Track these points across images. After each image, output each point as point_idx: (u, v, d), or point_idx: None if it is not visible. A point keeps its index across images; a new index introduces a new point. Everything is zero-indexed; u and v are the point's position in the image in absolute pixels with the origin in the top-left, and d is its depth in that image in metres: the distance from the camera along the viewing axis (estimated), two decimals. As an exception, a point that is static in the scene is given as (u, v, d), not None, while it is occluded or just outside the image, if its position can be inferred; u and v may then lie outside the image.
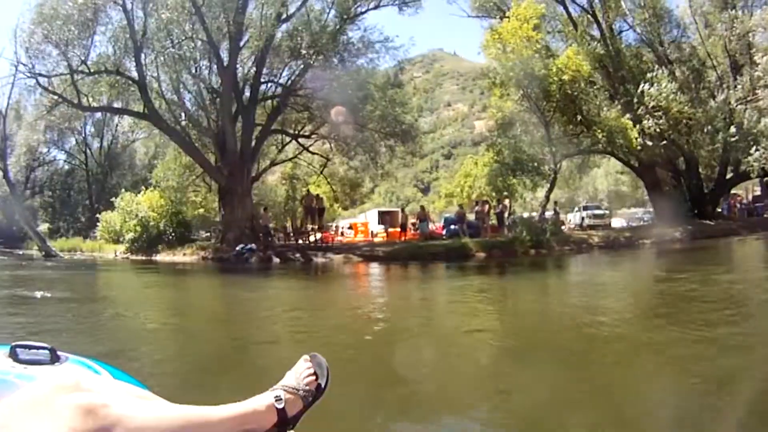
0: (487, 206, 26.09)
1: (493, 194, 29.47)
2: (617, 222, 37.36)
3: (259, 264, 20.46)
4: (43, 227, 43.70)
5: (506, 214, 27.00)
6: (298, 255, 21.80)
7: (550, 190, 26.48)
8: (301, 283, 15.28)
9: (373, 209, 41.53)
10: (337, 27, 25.14)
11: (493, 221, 26.10)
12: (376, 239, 29.39)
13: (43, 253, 28.05)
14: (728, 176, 29.62)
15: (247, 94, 25.80)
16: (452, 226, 26.93)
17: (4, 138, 29.53)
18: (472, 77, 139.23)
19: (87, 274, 19.35)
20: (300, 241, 24.99)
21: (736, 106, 26.03)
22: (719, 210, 31.38)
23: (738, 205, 34.38)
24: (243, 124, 25.00)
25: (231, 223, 23.82)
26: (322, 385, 1.82)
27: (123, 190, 31.56)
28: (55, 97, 26.66)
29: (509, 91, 25.37)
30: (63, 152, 47.23)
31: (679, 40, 29.21)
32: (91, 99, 26.73)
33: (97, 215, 34.67)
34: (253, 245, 21.98)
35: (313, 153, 29.66)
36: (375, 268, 18.65)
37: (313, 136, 28.24)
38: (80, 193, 46.27)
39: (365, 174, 30.69)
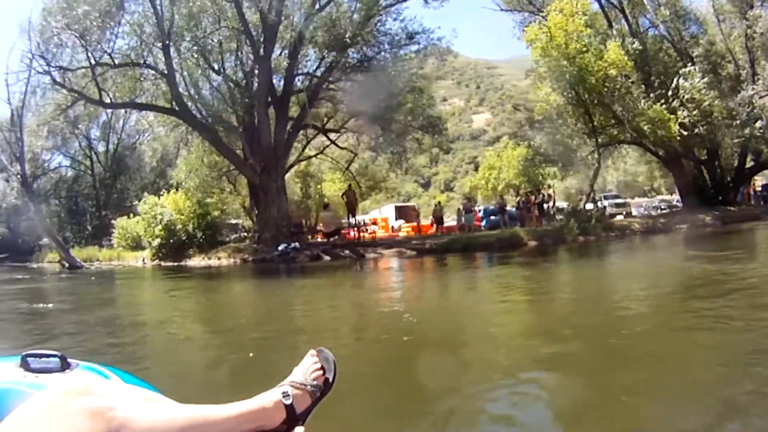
0: (532, 196, 25.96)
1: (525, 185, 29.30)
2: (635, 210, 37.65)
3: (308, 263, 19.35)
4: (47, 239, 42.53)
5: (550, 204, 26.98)
6: (347, 252, 20.78)
7: (594, 179, 26.75)
8: (370, 280, 14.28)
9: (388, 205, 40.74)
10: (366, 19, 24.28)
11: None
12: (400, 234, 28.70)
13: (67, 264, 26.63)
14: (748, 165, 30.86)
15: (280, 87, 24.71)
16: (492, 217, 26.66)
17: (20, 141, 28.05)
18: (467, 72, 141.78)
19: (129, 284, 18.31)
20: (330, 239, 24.01)
21: (759, 99, 26.57)
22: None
23: (752, 192, 35.28)
24: (276, 118, 23.88)
25: (267, 222, 22.74)
26: (330, 380, 1.82)
27: (135, 194, 30.51)
28: (73, 94, 25.53)
29: (557, 85, 24.95)
30: (68, 158, 45.91)
31: (698, 36, 29.74)
32: (111, 96, 25.62)
33: (111, 221, 33.59)
34: (296, 244, 21.01)
35: (341, 148, 28.63)
36: (435, 261, 17.77)
37: (341, 129, 27.32)
38: (87, 200, 44.95)
39: (394, 168, 29.72)
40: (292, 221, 23.33)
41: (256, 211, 24.00)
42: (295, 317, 7.96)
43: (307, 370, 1.84)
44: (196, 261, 23.19)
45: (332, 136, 28.25)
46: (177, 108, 23.78)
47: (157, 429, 1.44)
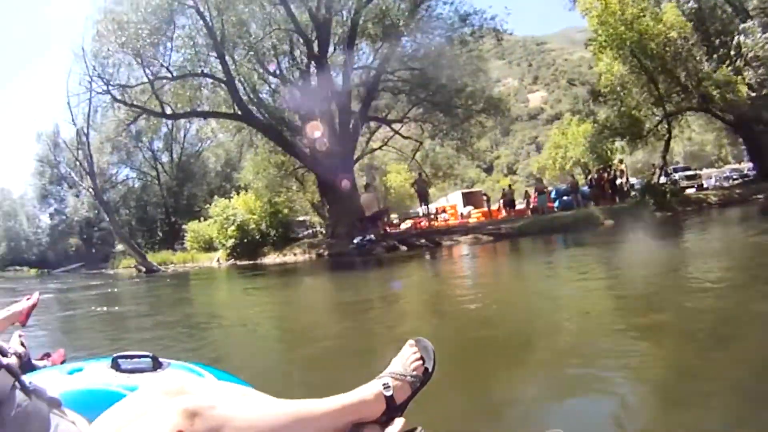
0: (605, 174, 25.51)
1: (593, 162, 28.67)
2: (706, 182, 36.38)
3: (385, 254, 19.27)
4: (121, 247, 43.74)
5: (623, 180, 26.15)
6: (423, 240, 20.62)
7: (665, 151, 26.16)
8: (450, 268, 13.91)
9: (454, 192, 40.31)
10: (414, 6, 24.21)
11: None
12: (470, 220, 28.36)
13: (144, 269, 27.34)
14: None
15: (339, 82, 24.70)
16: (564, 197, 26.12)
17: (89, 157, 28.99)
18: (517, 51, 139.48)
19: (206, 284, 18.61)
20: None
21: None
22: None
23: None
24: (339, 113, 23.87)
25: (340, 217, 22.77)
26: (429, 369, 1.81)
27: (203, 199, 31.02)
28: (135, 110, 26.27)
29: (618, 53, 24.19)
30: (134, 170, 47.39)
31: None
32: (172, 107, 26.22)
33: (181, 226, 34.34)
34: (372, 236, 20.97)
35: (405, 137, 28.47)
36: (513, 246, 17.40)
37: (404, 119, 27.14)
38: (156, 208, 46.05)
39: (460, 154, 29.38)
40: (366, 213, 23.34)
41: (327, 207, 24.02)
42: (375, 309, 7.82)
43: (406, 360, 1.84)
44: (271, 258, 23.43)
45: (395, 126, 28.11)
46: (240, 112, 24.13)
47: (259, 426, 1.45)
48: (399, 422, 1.70)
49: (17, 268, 51.30)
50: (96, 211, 45.86)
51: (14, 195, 53.59)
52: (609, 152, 27.38)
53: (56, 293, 17.19)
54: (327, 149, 22.88)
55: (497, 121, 27.91)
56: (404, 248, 20.03)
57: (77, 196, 47.29)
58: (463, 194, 37.52)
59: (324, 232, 27.81)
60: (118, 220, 37.68)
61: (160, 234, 43.82)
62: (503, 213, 28.20)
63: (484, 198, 33.09)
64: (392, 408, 1.71)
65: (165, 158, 46.11)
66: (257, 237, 25.00)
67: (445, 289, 9.48)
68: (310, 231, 30.57)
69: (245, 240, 24.93)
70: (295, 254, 22.87)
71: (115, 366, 2.03)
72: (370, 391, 1.72)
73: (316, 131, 22.48)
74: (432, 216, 26.09)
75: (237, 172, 37.20)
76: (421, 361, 1.82)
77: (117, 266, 36.67)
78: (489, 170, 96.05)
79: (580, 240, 15.72)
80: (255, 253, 24.39)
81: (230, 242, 25.54)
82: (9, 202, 52.17)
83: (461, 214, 31.75)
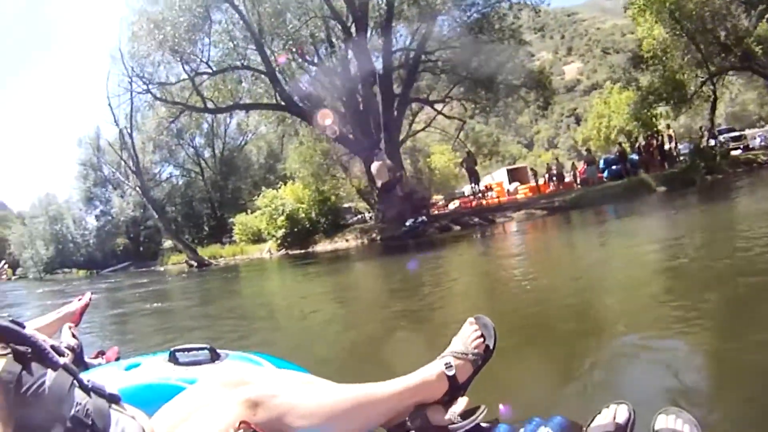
0: (653, 140, 24.94)
1: (638, 129, 28.13)
2: (751, 143, 35.03)
3: (438, 235, 19.15)
4: (169, 243, 44.33)
5: (672, 146, 25.75)
6: (476, 219, 20.41)
7: (712, 113, 25.87)
8: (505, 246, 13.59)
9: (499, 169, 39.85)
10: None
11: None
12: (517, 196, 28.05)
13: (195, 263, 27.60)
14: None
15: (379, 66, 24.47)
16: (613, 167, 25.56)
17: (134, 156, 29.34)
18: (548, 23, 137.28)
19: (260, 275, 18.58)
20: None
21: None
22: None
23: None
24: (382, 97, 23.70)
25: (389, 200, 22.63)
26: (491, 347, 1.81)
27: (248, 191, 31.16)
28: (177, 107, 26.49)
29: (658, 16, 23.60)
30: (177, 167, 47.85)
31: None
32: (213, 102, 26.40)
33: (228, 220, 34.62)
34: (424, 218, 20.86)
35: (448, 117, 28.18)
36: (567, 219, 17.14)
37: (446, 99, 26.83)
38: (201, 203, 46.53)
39: (504, 131, 29.05)
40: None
41: (376, 191, 23.92)
42: (428, 290, 7.69)
43: (467, 338, 1.83)
44: (323, 246, 23.45)
45: (437, 106, 27.86)
46: (283, 102, 24.12)
47: (322, 412, 1.45)
48: (462, 401, 1.71)
49: (65, 270, 52.36)
50: (142, 210, 46.56)
51: (59, 199, 54.58)
52: (653, 118, 26.83)
53: (107, 292, 17.37)
54: (373, 134, 22.77)
55: (539, 95, 27.36)
56: (457, 228, 19.92)
57: (122, 196, 47.97)
58: (508, 171, 36.97)
59: (372, 217, 27.76)
60: (165, 217, 38.24)
61: (207, 229, 44.26)
62: (551, 187, 27.88)
63: (532, 172, 32.69)
64: (455, 387, 1.73)
65: (207, 154, 46.46)
66: (307, 225, 25.02)
67: (500, 266, 9.33)
68: (359, 217, 30.51)
69: (295, 229, 24.97)
70: (346, 240, 22.85)
71: (173, 359, 2.06)
72: (432, 371, 1.72)
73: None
74: (480, 194, 25.75)
75: (280, 163, 37.34)
76: (482, 339, 1.82)
77: (166, 263, 37.06)
78: (530, 146, 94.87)
79: (634, 209, 15.37)
80: (306, 242, 24.41)
81: (280, 232, 25.55)
82: (55, 206, 53.04)
83: (508, 190, 31.47)
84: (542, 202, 21.32)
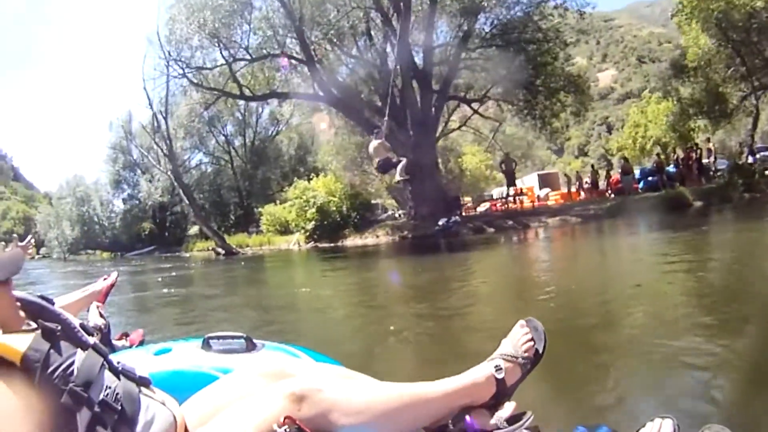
0: (692, 153, 24.35)
1: (674, 141, 27.59)
2: None
3: (471, 236, 18.84)
4: (194, 230, 44.45)
5: (711, 160, 25.05)
6: (510, 222, 20.11)
7: (753, 129, 25.32)
8: (541, 252, 13.35)
9: (530, 174, 39.41)
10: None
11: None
12: (548, 202, 27.63)
13: (222, 251, 27.50)
14: None
15: (419, 61, 24.18)
16: (650, 178, 24.98)
17: (168, 140, 29.27)
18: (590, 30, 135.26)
19: (289, 266, 18.52)
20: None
21: None
22: None
23: None
24: (420, 92, 23.44)
25: (422, 198, 22.35)
26: (540, 351, 1.78)
27: (276, 182, 31.04)
28: (213, 92, 26.44)
29: (704, 25, 23.15)
30: (207, 155, 47.97)
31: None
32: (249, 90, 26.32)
33: (256, 210, 34.54)
34: (457, 218, 20.58)
35: (484, 117, 27.83)
36: (603, 228, 16.76)
37: (484, 98, 26.51)
38: (230, 192, 46.63)
39: (540, 134, 28.61)
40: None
41: (409, 188, 23.64)
42: (459, 291, 7.54)
43: (517, 341, 1.80)
44: (353, 241, 23.22)
45: (474, 106, 27.51)
46: (321, 93, 23.92)
47: (369, 411, 1.40)
48: (509, 406, 1.66)
49: (89, 251, 52.81)
50: (169, 196, 46.79)
51: (87, 181, 55.00)
52: (691, 131, 26.31)
53: (132, 275, 17.38)
54: (409, 129, 22.54)
55: (576, 99, 26.91)
56: (491, 230, 19.64)
57: (150, 181, 48.20)
58: (539, 176, 36.50)
59: (401, 215, 27.48)
60: (196, 203, 38.28)
61: (233, 218, 44.32)
62: (582, 195, 27.43)
63: (565, 178, 32.23)
64: (502, 391, 1.69)
65: (238, 142, 46.49)
66: (338, 219, 24.76)
67: (531, 271, 9.22)
68: (388, 213, 30.24)
69: (325, 222, 24.74)
70: (377, 236, 22.63)
71: (206, 346, 2.01)
72: (481, 373, 1.69)
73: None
74: (511, 198, 25.39)
75: (311, 155, 37.29)
76: (531, 342, 1.79)
77: (191, 249, 37.15)
78: (560, 152, 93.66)
79: (670, 222, 15.05)
80: (336, 236, 24.19)
81: (310, 225, 25.32)
82: (83, 188, 53.46)
83: (538, 196, 31.03)
84: (576, 209, 21.00)
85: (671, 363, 3.16)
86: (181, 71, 26.16)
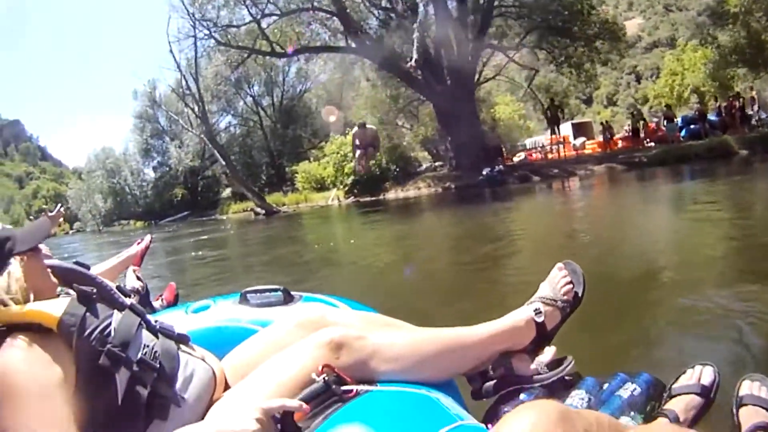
0: (736, 102, 24.02)
1: (713, 89, 27.02)
2: None
3: (518, 185, 18.75)
4: (227, 192, 44.58)
5: (755, 109, 24.57)
6: (556, 170, 20.00)
7: None
8: (589, 198, 13.32)
9: (563, 123, 38.86)
10: None
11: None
12: (585, 151, 27.22)
13: (262, 210, 27.51)
14: None
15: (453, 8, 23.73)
16: (691, 126, 24.52)
17: (200, 101, 29.14)
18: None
19: (334, 222, 18.58)
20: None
21: None
22: None
23: None
24: (456, 41, 22.94)
25: (463, 148, 22.12)
26: (579, 294, 1.75)
27: (308, 140, 30.94)
28: (241, 52, 26.26)
29: None
30: (236, 117, 47.80)
31: None
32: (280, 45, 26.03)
33: (290, 169, 34.52)
34: (501, 167, 20.43)
35: (520, 65, 27.35)
36: (652, 176, 16.32)
37: (519, 46, 25.98)
38: (260, 152, 46.59)
39: (576, 82, 28.13)
40: (489, 145, 22.69)
41: (449, 138, 23.40)
42: (503, 240, 7.52)
43: (556, 284, 1.77)
44: (394, 194, 23.10)
45: (509, 54, 26.88)
46: (354, 45, 23.64)
47: (410, 357, 1.40)
48: (550, 351, 1.65)
49: (122, 222, 53.30)
50: (200, 160, 46.96)
51: (116, 152, 55.20)
52: (731, 80, 25.72)
53: (167, 241, 17.58)
54: (447, 79, 22.26)
55: (612, 47, 26.33)
56: (537, 179, 19.57)
57: (180, 147, 48.31)
58: (573, 125, 35.95)
59: (435, 168, 27.29)
60: (221, 168, 38.32)
61: (264, 178, 44.35)
62: (620, 144, 27.02)
63: (602, 126, 31.72)
64: (542, 335, 1.67)
65: (265, 102, 46.14)
66: (377, 173, 24.59)
67: (576, 221, 9.09)
68: (426, 166, 30.00)
69: (364, 176, 24.62)
70: (419, 188, 22.48)
71: (244, 301, 1.99)
72: (521, 317, 1.67)
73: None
74: (554, 147, 25.11)
75: (341, 111, 37.04)
76: (570, 286, 1.76)
77: (226, 212, 37.29)
78: (588, 101, 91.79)
79: (717, 170, 14.81)
80: (376, 190, 24.06)
81: (349, 179, 25.22)
82: (112, 160, 53.70)
83: (574, 145, 30.62)
84: (621, 157, 20.89)
85: (712, 312, 3.10)
86: (207, 32, 25.91)
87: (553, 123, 24.47)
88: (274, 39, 25.70)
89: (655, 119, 28.90)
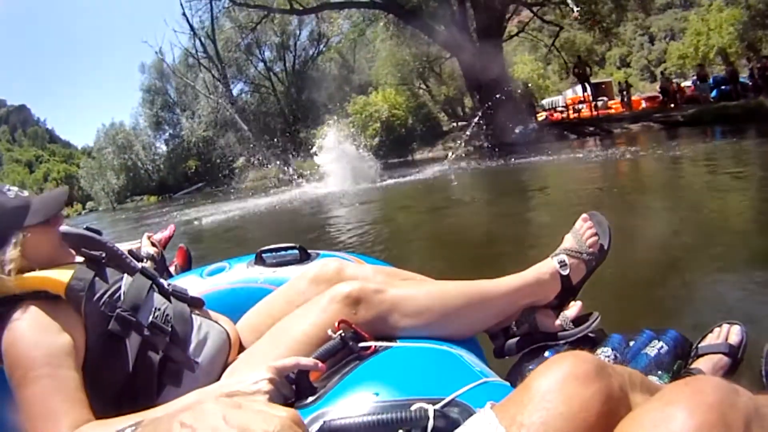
0: None
1: (741, 50, 26.52)
2: None
3: (553, 142, 18.45)
4: (241, 161, 44.28)
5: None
6: (591, 128, 19.80)
7: None
8: (629, 155, 12.58)
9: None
10: None
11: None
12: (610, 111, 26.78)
13: (287, 175, 27.24)
14: None
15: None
16: (722, 87, 23.88)
17: (220, 64, 28.70)
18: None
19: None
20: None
21: None
22: None
23: None
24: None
25: (493, 106, 21.72)
26: (605, 246, 1.70)
27: (323, 104, 30.62)
28: (259, 12, 25.84)
29: None
30: (247, 84, 47.11)
31: None
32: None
33: (301, 135, 34.23)
34: (535, 125, 20.16)
35: (545, 21, 26.77)
36: (691, 135, 15.93)
37: (545, 2, 25.42)
38: (275, 118, 45.87)
39: (604, 40, 27.65)
40: (521, 103, 22.35)
41: (478, 97, 23.01)
42: (537, 198, 7.63)
43: (581, 236, 1.71)
44: (422, 154, 22.80)
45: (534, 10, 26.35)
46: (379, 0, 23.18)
47: (431, 311, 1.36)
48: (576, 306, 1.60)
49: (136, 197, 52.95)
50: (213, 129, 46.54)
51: (126, 126, 54.71)
52: (760, 41, 25.23)
53: (182, 212, 17.17)
54: (475, 34, 21.83)
55: (638, 4, 25.80)
56: (573, 136, 19.43)
57: (191, 117, 47.87)
58: (592, 85, 35.73)
59: (462, 128, 26.94)
60: (235, 137, 38.02)
61: (280, 144, 44.07)
62: (643, 104, 26.56)
63: (622, 86, 31.31)
64: (567, 289, 1.62)
65: (278, 68, 45.55)
66: (403, 133, 24.19)
67: (610, 178, 8.94)
68: (454, 124, 29.58)
69: (391, 137, 24.21)
70: (449, 147, 22.04)
71: (260, 261, 1.96)
72: (545, 269, 1.62)
73: None
74: (572, 107, 24.78)
75: (354, 74, 36.58)
76: (596, 237, 1.71)
77: (243, 180, 37.00)
78: (601, 62, 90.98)
79: (758, 131, 14.30)
80: (403, 150, 23.70)
81: (375, 141, 24.71)
82: (123, 135, 53.18)
83: (596, 104, 30.29)
84: (657, 116, 20.48)
85: (741, 271, 3.05)
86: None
87: (583, 80, 23.91)
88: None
89: (677, 81, 28.42)
